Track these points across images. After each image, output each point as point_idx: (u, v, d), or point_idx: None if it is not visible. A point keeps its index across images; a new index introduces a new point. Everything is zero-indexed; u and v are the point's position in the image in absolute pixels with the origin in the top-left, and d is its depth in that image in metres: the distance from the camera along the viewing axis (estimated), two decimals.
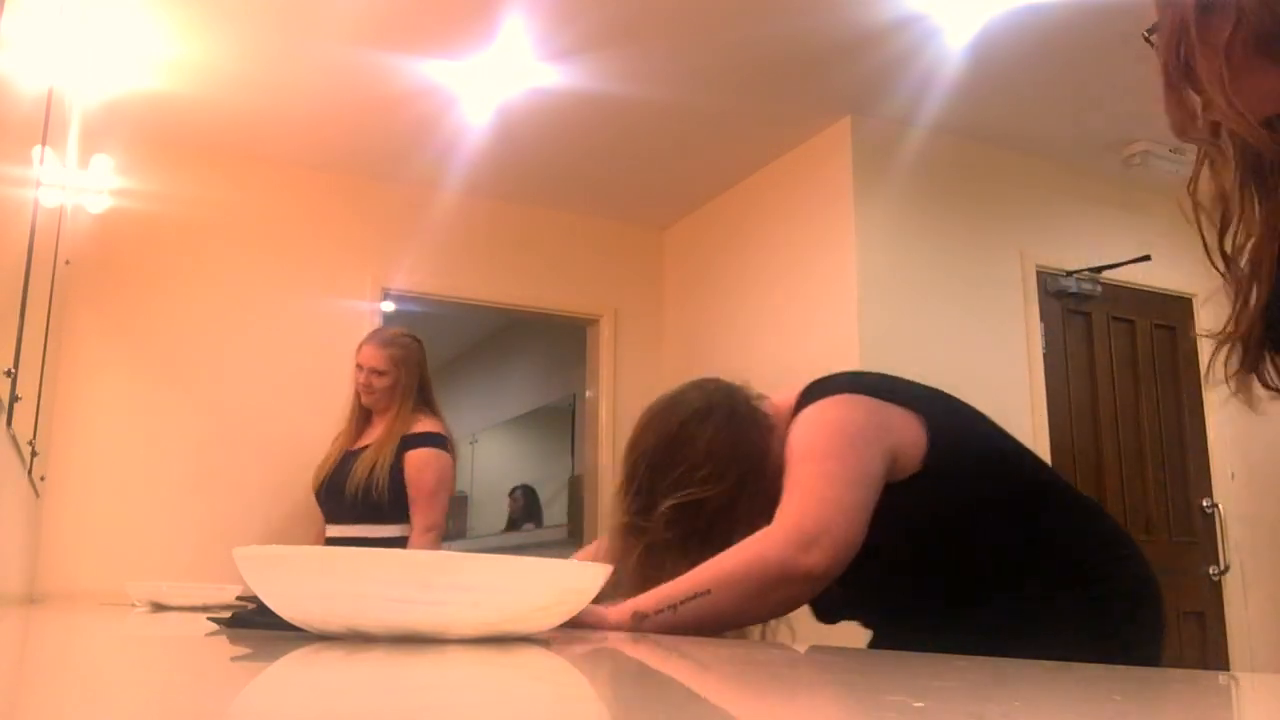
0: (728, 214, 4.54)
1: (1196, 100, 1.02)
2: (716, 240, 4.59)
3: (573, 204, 4.73)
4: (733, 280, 4.44)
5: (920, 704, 0.51)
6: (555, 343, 6.20)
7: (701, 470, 1.43)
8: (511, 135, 4.00)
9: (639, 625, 1.28)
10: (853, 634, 1.61)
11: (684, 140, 4.08)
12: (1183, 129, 1.05)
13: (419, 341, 3.53)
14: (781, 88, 3.67)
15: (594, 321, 4.85)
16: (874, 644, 1.61)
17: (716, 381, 1.55)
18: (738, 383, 1.56)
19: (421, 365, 3.48)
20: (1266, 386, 1.10)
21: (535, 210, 4.72)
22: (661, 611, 1.27)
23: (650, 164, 4.31)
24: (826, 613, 1.60)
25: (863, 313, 3.69)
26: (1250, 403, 1.11)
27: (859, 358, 3.63)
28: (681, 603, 1.27)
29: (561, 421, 6.36)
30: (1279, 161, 1.07)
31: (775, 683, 0.57)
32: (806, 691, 0.53)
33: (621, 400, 4.67)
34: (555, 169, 4.36)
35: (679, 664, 0.81)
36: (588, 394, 4.92)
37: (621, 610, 1.29)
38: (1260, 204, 1.07)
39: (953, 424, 1.51)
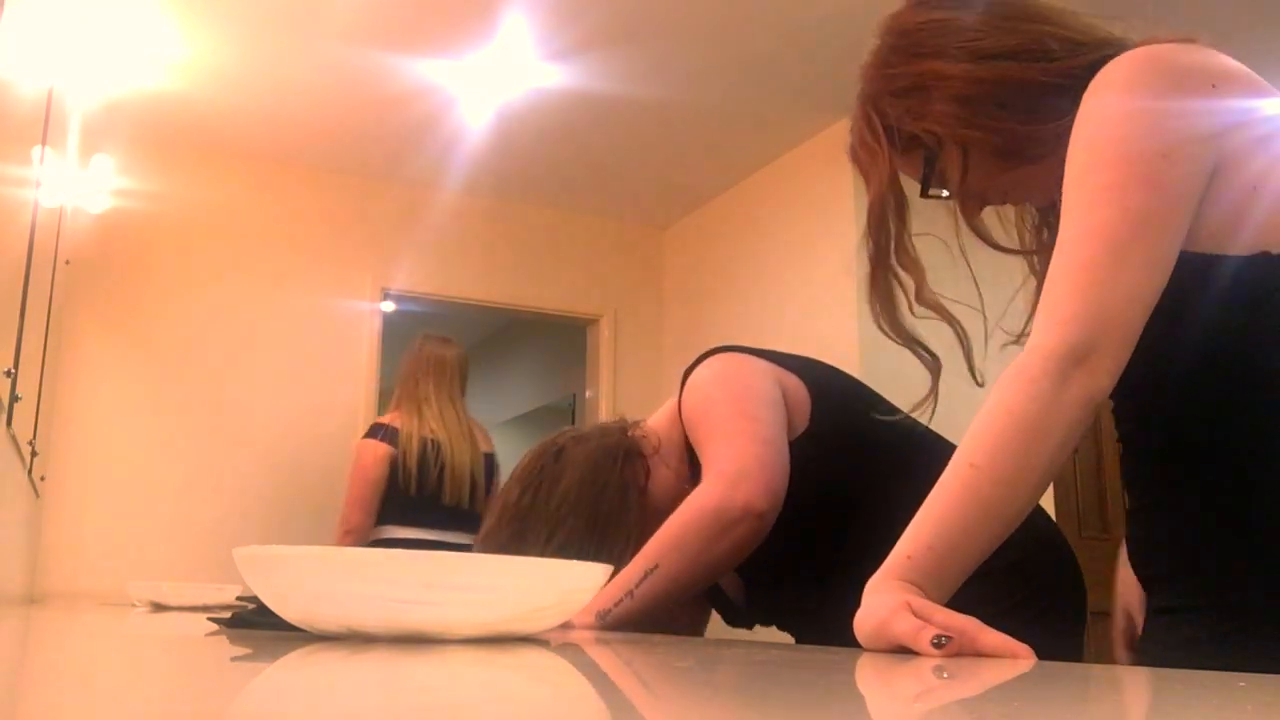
0: (728, 214, 4.54)
1: (906, 285, 1.15)
2: (716, 240, 4.59)
3: (573, 204, 4.73)
4: (733, 280, 4.44)
5: (921, 704, 0.51)
6: (555, 343, 6.20)
7: (624, 532, 1.42)
8: (511, 135, 4.00)
9: (604, 624, 1.26)
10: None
11: (684, 140, 4.08)
12: (894, 324, 1.17)
13: (422, 340, 3.48)
14: (781, 88, 3.67)
15: (594, 321, 4.85)
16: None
17: (579, 433, 1.52)
18: (612, 419, 1.56)
19: (413, 362, 3.41)
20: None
21: (535, 210, 4.73)
22: (620, 602, 1.25)
23: (650, 164, 4.31)
24: (735, 616, 1.56)
25: (862, 313, 3.68)
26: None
27: (859, 358, 3.62)
28: (635, 587, 1.25)
29: (561, 421, 6.36)
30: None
31: (775, 683, 0.57)
32: (807, 692, 0.53)
33: (621, 400, 4.67)
34: (555, 169, 4.36)
35: (678, 664, 0.81)
36: (588, 394, 4.92)
37: (583, 615, 1.26)
38: None
39: (831, 383, 1.49)
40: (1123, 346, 0.84)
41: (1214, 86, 0.88)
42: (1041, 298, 0.89)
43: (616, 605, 1.25)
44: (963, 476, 0.85)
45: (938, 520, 0.84)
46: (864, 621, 0.79)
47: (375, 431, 3.33)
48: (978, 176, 1.05)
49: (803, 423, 1.40)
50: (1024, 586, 1.29)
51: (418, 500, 3.26)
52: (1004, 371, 0.87)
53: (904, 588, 0.81)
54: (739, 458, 1.29)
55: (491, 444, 3.49)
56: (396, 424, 3.30)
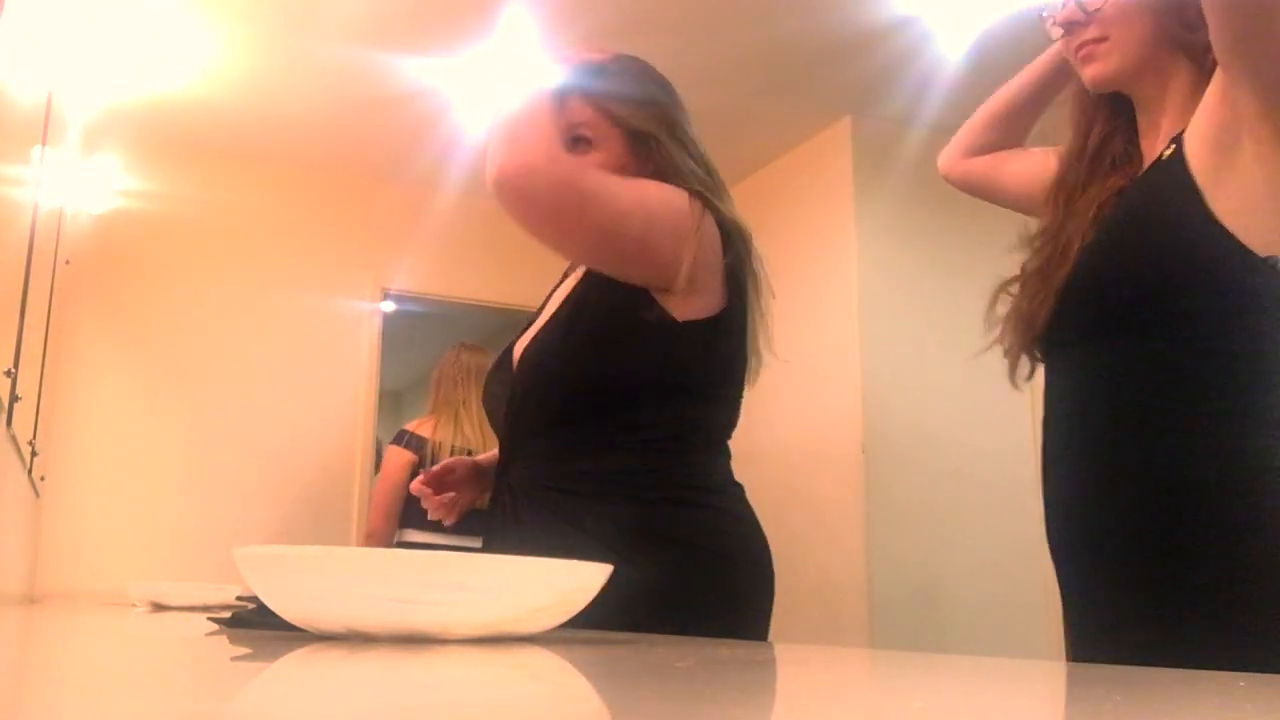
0: None
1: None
2: None
3: None
4: None
5: (919, 704, 0.51)
6: None
7: None
8: None
9: None
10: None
11: None
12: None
13: (460, 348, 3.51)
14: (781, 88, 3.67)
15: None
16: None
17: None
18: None
19: (452, 369, 3.44)
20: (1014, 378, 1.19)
21: None
22: None
23: None
24: None
25: (863, 313, 3.69)
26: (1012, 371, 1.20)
27: (860, 358, 3.62)
28: None
29: None
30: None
31: (775, 683, 0.57)
32: (807, 693, 0.53)
33: None
34: None
35: (678, 663, 0.81)
36: None
37: None
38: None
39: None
40: None
41: None
42: None
43: None
44: None
45: None
46: None
47: (400, 438, 3.34)
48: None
49: (716, 305, 1.37)
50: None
51: None
52: None
53: None
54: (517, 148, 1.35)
55: None
56: (425, 432, 3.31)
